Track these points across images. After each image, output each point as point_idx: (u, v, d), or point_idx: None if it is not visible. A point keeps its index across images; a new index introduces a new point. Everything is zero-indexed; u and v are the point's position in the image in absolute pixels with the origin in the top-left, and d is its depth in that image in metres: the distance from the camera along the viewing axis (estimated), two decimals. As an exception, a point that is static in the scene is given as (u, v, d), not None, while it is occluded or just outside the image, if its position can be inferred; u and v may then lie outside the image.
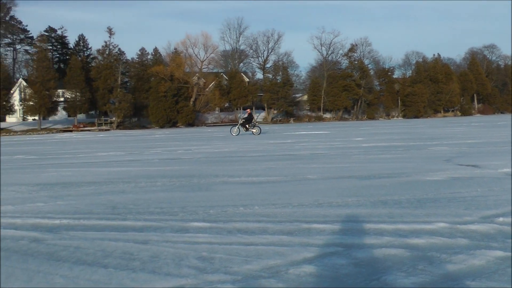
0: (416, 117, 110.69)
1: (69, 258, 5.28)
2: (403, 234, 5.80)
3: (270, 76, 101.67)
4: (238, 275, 4.51)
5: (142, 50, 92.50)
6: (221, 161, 16.15)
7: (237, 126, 38.88)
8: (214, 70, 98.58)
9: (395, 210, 7.16)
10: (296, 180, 10.73)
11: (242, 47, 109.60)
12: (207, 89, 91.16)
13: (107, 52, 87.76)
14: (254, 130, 38.03)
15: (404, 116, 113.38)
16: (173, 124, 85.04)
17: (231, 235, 5.99)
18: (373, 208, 7.35)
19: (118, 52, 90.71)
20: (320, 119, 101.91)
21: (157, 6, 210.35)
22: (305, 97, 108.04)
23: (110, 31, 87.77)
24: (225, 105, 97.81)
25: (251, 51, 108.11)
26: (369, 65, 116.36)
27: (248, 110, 41.19)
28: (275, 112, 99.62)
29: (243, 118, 39.28)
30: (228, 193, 9.12)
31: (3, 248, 5.90)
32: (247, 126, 38.26)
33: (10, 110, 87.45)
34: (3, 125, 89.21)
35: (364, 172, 11.80)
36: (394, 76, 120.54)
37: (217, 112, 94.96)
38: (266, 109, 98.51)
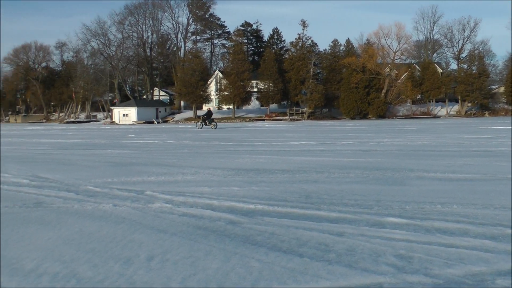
0: None
1: (265, 243, 5.31)
2: None
3: (465, 66, 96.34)
4: (440, 279, 4.20)
5: (335, 41, 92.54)
6: (415, 155, 15.53)
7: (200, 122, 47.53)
8: (407, 61, 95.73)
9: None
10: (496, 179, 9.91)
11: (436, 36, 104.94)
12: (398, 81, 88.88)
13: (300, 44, 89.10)
14: (211, 125, 45.87)
15: None
16: (363, 115, 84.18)
17: (430, 234, 5.63)
18: None
19: (311, 44, 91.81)
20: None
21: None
22: (502, 89, 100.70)
23: (303, 24, 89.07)
24: (417, 97, 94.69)
25: (446, 40, 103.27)
26: None
27: (208, 107, 52.31)
28: (469, 104, 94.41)
29: (204, 115, 48.53)
30: (424, 189, 8.67)
31: (201, 226, 6.12)
32: (206, 121, 46.47)
33: (207, 99, 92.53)
34: (200, 113, 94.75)
35: None
36: None
37: (408, 104, 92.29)
38: (460, 101, 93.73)
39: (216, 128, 44.79)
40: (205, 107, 51.15)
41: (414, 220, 6.25)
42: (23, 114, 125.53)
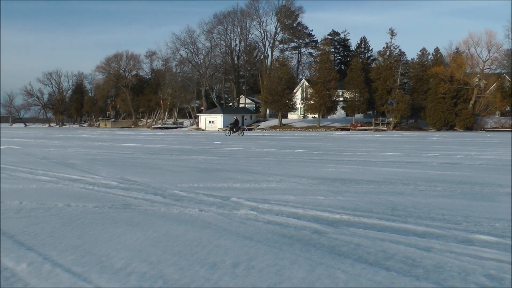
0: None
1: (351, 255, 5.22)
2: None
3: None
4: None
5: (423, 50, 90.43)
6: (504, 169, 14.83)
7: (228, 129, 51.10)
8: (496, 71, 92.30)
9: None
10: None
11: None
12: (487, 91, 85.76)
13: (387, 53, 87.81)
14: (238, 133, 49.94)
15: None
16: (450, 127, 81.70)
17: (523, 254, 5.35)
18: None
19: (399, 53, 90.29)
20: None
21: (439, 5, 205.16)
22: None
23: (391, 32, 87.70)
24: (506, 109, 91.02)
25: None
26: None
27: (235, 117, 56.36)
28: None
29: (231, 123, 52.53)
30: (516, 206, 8.28)
31: (286, 235, 6.09)
32: (234, 129, 50.27)
33: (292, 108, 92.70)
34: (285, 121, 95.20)
35: None
36: None
37: (497, 116, 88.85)
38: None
39: (242, 135, 48.49)
40: (233, 117, 54.41)
41: (504, 239, 5.96)
42: (113, 119, 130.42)
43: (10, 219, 7.25)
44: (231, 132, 50.20)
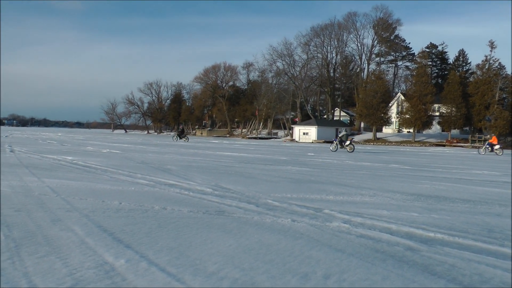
0: None
1: (445, 275, 5.11)
2: None
3: None
4: None
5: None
6: None
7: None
8: None
9: None
10: None
11: None
12: None
13: (486, 67, 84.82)
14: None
15: None
16: (548, 144, 77.62)
17: None
18: None
19: (498, 66, 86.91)
20: None
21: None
22: None
23: (491, 45, 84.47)
24: None
25: None
26: None
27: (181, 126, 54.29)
28: None
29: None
30: None
31: (379, 250, 6.03)
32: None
33: (387, 122, 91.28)
34: (379, 135, 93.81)
35: None
36: None
37: None
38: None
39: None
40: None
41: None
42: (209, 128, 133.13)
43: (111, 218, 7.60)
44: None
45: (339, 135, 44.07)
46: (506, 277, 5.13)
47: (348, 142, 41.40)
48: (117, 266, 5.05)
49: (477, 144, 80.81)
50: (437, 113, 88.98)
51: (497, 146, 46.52)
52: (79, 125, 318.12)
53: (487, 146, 47.49)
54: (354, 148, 41.65)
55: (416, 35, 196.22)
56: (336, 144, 42.28)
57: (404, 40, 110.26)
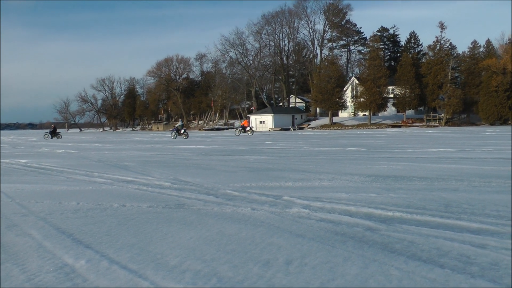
0: None
1: (404, 252, 5.18)
2: None
3: None
4: None
5: (474, 42, 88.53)
6: None
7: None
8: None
9: None
10: None
11: None
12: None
13: (437, 48, 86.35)
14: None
15: None
16: (504, 121, 79.48)
17: None
18: None
19: (449, 46, 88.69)
20: None
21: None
22: None
23: (441, 26, 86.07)
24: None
25: None
26: None
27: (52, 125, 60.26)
28: None
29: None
30: None
31: (339, 232, 6.09)
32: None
33: (343, 106, 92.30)
34: (335, 119, 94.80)
35: None
36: None
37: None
38: None
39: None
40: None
41: None
42: (165, 122, 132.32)
43: (69, 219, 7.47)
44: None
45: (176, 125, 52.58)
46: (463, 249, 5.23)
47: (182, 131, 49.14)
48: (77, 268, 4.97)
49: (432, 123, 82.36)
50: (392, 95, 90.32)
51: (248, 128, 58.56)
52: (32, 126, 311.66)
53: (240, 128, 58.93)
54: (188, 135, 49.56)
55: (367, 19, 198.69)
56: (175, 133, 49.78)
57: (356, 25, 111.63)
